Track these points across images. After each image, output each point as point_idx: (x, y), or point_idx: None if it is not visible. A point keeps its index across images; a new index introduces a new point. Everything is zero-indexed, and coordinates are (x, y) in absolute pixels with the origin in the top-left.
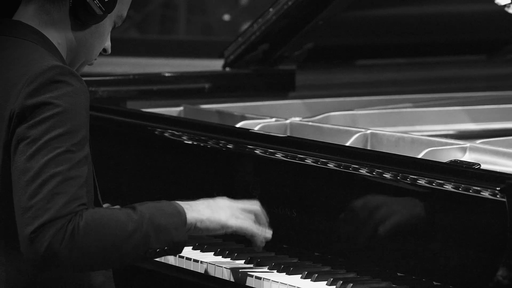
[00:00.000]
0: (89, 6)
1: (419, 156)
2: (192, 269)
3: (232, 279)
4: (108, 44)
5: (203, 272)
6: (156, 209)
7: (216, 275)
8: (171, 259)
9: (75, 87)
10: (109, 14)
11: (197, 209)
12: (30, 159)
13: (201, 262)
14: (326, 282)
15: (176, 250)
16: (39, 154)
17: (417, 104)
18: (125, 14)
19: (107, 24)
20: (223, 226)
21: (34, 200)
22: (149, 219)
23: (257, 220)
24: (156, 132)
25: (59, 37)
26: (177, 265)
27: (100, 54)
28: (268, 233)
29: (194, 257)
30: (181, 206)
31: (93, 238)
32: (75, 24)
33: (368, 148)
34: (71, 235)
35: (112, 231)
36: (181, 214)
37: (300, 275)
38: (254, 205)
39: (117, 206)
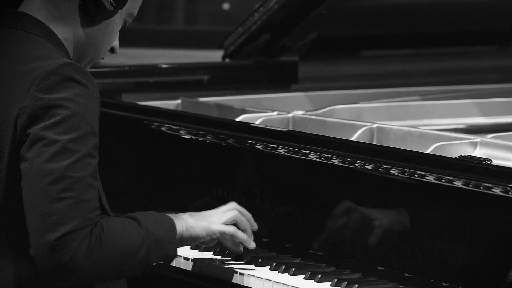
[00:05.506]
0: (100, 1)
1: (428, 151)
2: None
3: (232, 280)
4: (116, 43)
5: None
6: (156, 223)
7: (215, 275)
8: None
9: (88, 87)
10: (119, 11)
11: (181, 218)
12: (50, 160)
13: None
14: (330, 283)
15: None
16: (60, 156)
17: (425, 97)
18: (135, 12)
19: (117, 21)
20: (207, 231)
21: (58, 205)
22: (152, 233)
23: (240, 220)
24: (153, 126)
25: (66, 32)
26: (175, 265)
27: (107, 54)
28: (252, 244)
29: (196, 257)
30: (171, 217)
31: (111, 251)
32: (84, 19)
33: (374, 143)
34: (94, 247)
35: (125, 244)
36: (174, 227)
37: (303, 276)
38: (232, 205)
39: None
